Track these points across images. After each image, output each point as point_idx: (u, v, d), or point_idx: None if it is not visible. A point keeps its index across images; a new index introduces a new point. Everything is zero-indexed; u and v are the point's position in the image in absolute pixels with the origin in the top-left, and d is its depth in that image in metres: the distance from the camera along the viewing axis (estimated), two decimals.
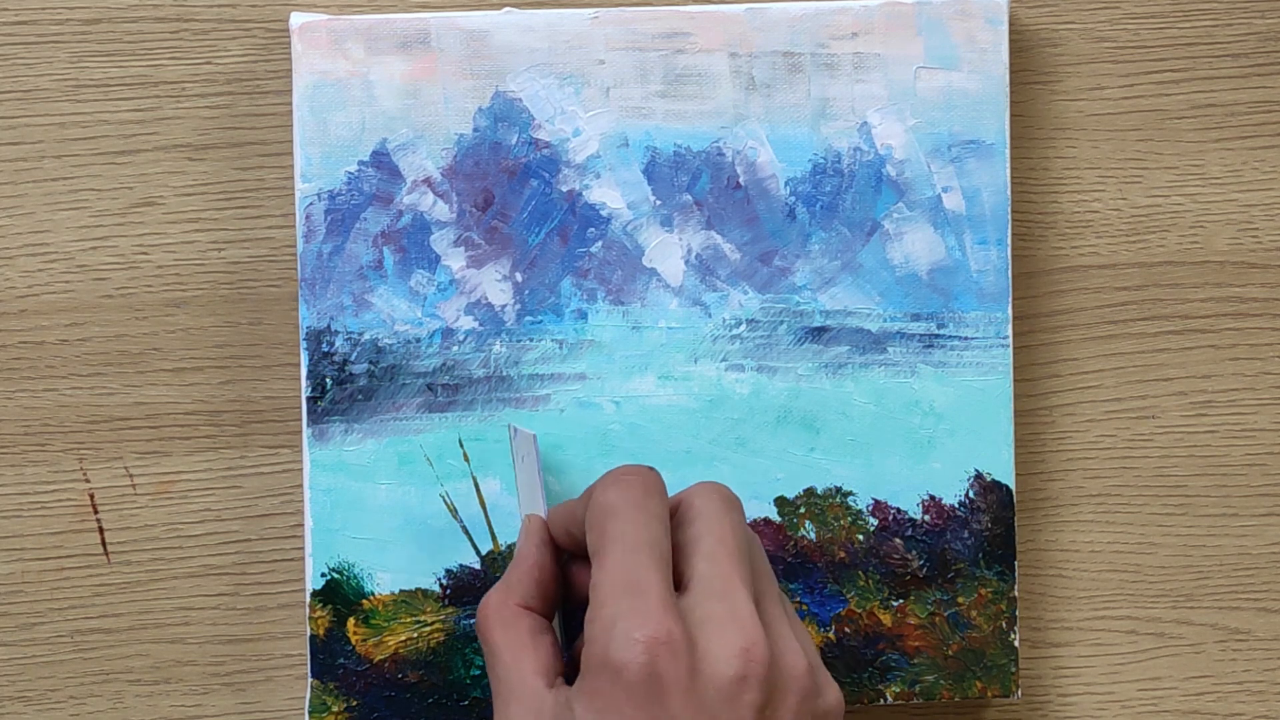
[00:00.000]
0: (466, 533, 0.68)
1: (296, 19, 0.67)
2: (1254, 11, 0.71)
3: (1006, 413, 0.68)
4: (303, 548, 0.68)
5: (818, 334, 0.68)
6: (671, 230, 0.68)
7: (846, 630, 0.68)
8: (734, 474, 0.68)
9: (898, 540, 0.68)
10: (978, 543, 0.68)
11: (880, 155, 0.68)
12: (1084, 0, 0.70)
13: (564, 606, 0.62)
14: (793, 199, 0.68)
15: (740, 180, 0.68)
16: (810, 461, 0.68)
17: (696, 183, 0.68)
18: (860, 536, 0.68)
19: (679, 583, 0.58)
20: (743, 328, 0.68)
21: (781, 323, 0.68)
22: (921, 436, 0.68)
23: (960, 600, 0.68)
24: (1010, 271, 0.68)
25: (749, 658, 0.56)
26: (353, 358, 0.67)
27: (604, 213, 0.68)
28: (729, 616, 0.56)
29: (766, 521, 0.68)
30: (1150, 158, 0.71)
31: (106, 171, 0.69)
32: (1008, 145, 0.68)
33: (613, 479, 0.59)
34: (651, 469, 0.59)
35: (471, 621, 0.68)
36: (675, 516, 0.59)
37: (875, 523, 0.68)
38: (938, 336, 0.68)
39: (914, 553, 0.68)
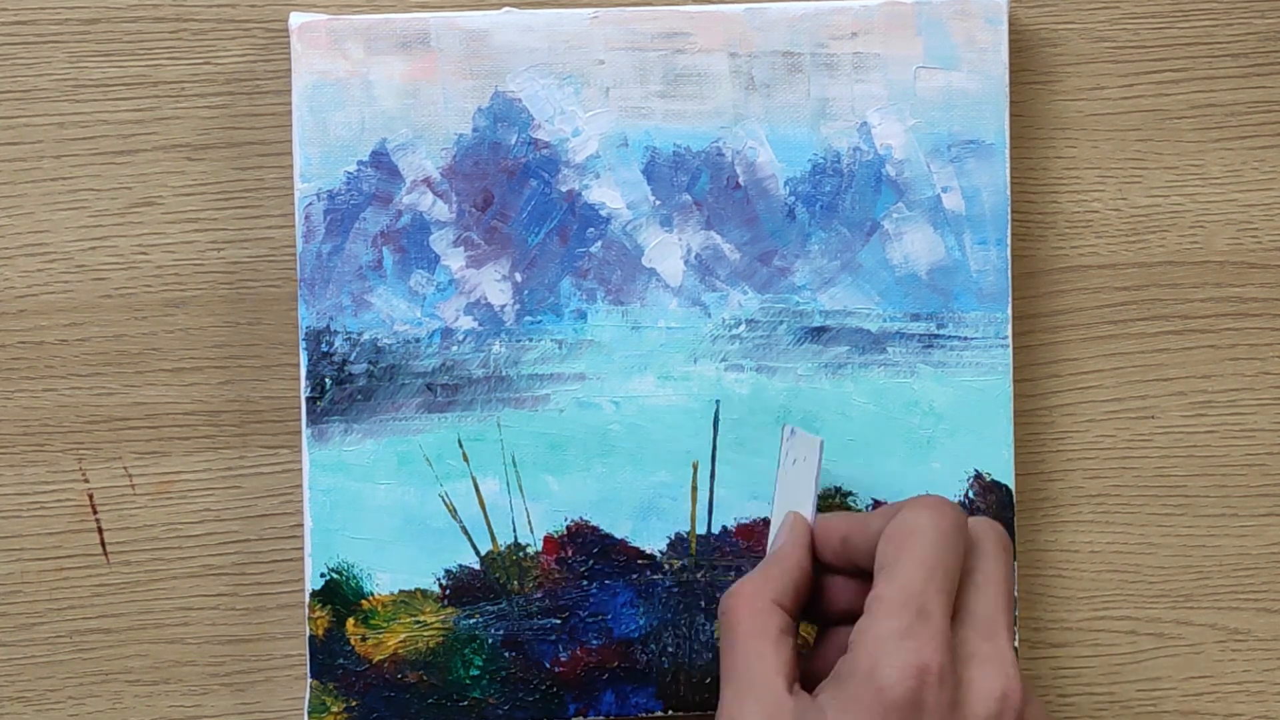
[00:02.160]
0: (466, 533, 0.68)
1: (296, 19, 0.67)
2: (1254, 11, 0.71)
3: (1006, 413, 0.68)
4: (302, 548, 0.68)
5: (817, 334, 0.68)
6: (671, 230, 0.68)
7: None
8: (734, 474, 0.68)
9: None
10: None
11: (880, 155, 0.68)
12: (1084, 0, 0.70)
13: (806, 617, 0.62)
14: (792, 199, 0.68)
15: (740, 180, 0.68)
16: None
17: (696, 183, 0.68)
18: None
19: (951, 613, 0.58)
20: (742, 328, 0.68)
21: (781, 323, 0.68)
22: (921, 436, 0.68)
23: None
24: (1010, 271, 0.68)
25: (1006, 704, 0.57)
26: (352, 358, 0.67)
27: (603, 213, 0.68)
28: (995, 658, 0.57)
29: (766, 522, 0.68)
30: (1150, 158, 0.71)
31: (106, 171, 0.69)
32: (1007, 145, 0.68)
33: (924, 503, 0.59)
34: (959, 505, 0.59)
35: (471, 622, 0.68)
36: None
37: None
38: (937, 336, 0.68)
39: None
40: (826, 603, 0.62)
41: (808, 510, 0.63)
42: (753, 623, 0.59)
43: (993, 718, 0.57)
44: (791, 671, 0.58)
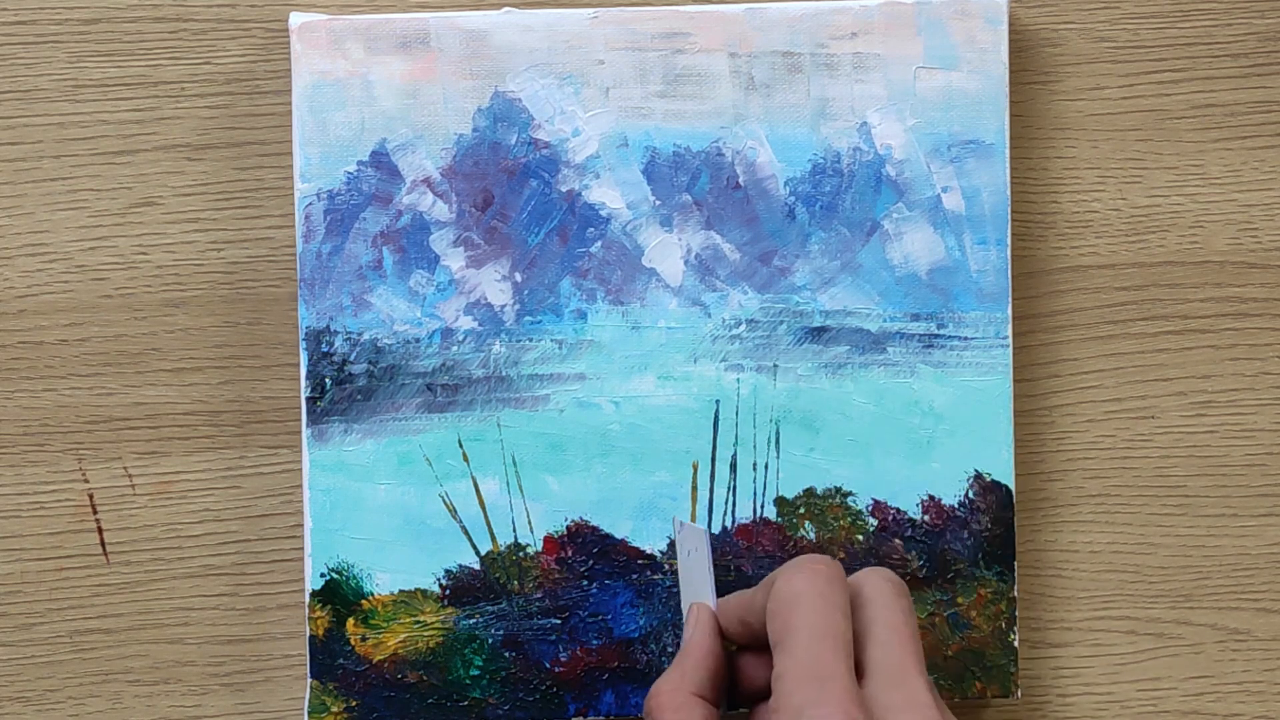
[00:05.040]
0: (466, 533, 0.68)
1: (296, 19, 0.67)
2: (1254, 11, 0.71)
3: (1006, 413, 0.68)
4: (302, 548, 0.68)
5: (817, 334, 0.68)
6: (671, 230, 0.68)
7: None
8: (734, 474, 0.68)
9: (897, 541, 0.68)
10: (977, 543, 0.68)
11: (880, 155, 0.68)
12: (1084, 0, 0.70)
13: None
14: (792, 199, 0.68)
15: (740, 180, 0.68)
16: (810, 461, 0.68)
17: (696, 183, 0.68)
18: (860, 537, 0.68)
19: (855, 669, 0.58)
20: (742, 328, 0.68)
21: (781, 323, 0.68)
22: (921, 436, 0.68)
23: (960, 600, 0.68)
24: (1010, 271, 0.68)
25: None
26: (352, 358, 0.67)
27: (603, 213, 0.68)
28: (910, 705, 0.57)
29: (766, 522, 0.68)
30: (1150, 158, 0.71)
31: (105, 171, 0.69)
32: (1007, 145, 0.68)
33: (797, 568, 0.59)
34: (833, 560, 0.60)
35: (471, 622, 0.68)
36: None
37: (875, 523, 0.68)
38: (937, 336, 0.68)
39: (913, 553, 0.68)
40: (747, 682, 0.62)
41: (709, 597, 0.63)
42: (676, 719, 0.60)
43: None
44: None
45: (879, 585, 0.60)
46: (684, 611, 0.63)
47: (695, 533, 0.64)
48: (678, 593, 0.68)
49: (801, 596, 0.58)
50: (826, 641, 0.57)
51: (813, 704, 0.56)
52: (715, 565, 0.64)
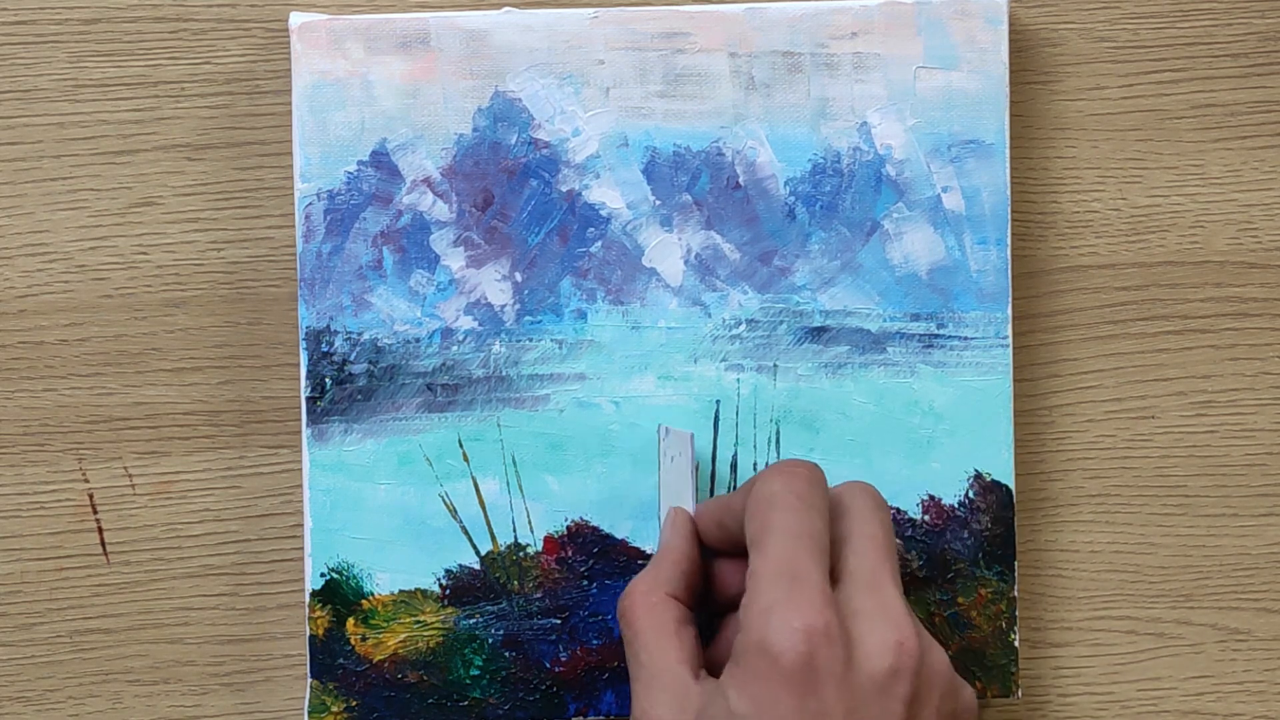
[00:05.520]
0: (466, 533, 0.68)
1: (296, 19, 0.67)
2: (1254, 11, 0.71)
3: (1006, 413, 0.68)
4: (302, 548, 0.68)
5: (817, 334, 0.68)
6: (671, 230, 0.68)
7: None
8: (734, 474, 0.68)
9: (897, 540, 0.68)
10: (977, 543, 0.68)
11: (880, 155, 0.68)
12: (1084, 0, 0.70)
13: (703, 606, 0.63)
14: (792, 199, 0.68)
15: (740, 180, 0.68)
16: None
17: (696, 183, 0.68)
18: None
19: (831, 575, 0.58)
20: (742, 328, 0.68)
21: (781, 323, 0.68)
22: (921, 436, 0.68)
23: (960, 600, 0.68)
24: (1010, 271, 0.68)
25: (902, 651, 0.57)
26: (352, 358, 0.67)
27: (603, 213, 0.68)
28: (882, 610, 0.57)
29: None
30: (1150, 158, 0.71)
31: (105, 171, 0.69)
32: (1007, 145, 0.68)
33: (776, 470, 0.60)
34: (814, 464, 0.60)
35: (471, 622, 0.68)
36: None
37: None
38: (937, 336, 0.68)
39: (913, 553, 0.68)
40: (722, 588, 0.63)
41: (688, 503, 0.64)
42: (650, 618, 0.60)
43: (890, 669, 0.57)
44: (695, 659, 0.60)
45: (859, 496, 0.60)
46: (661, 516, 0.64)
47: (680, 438, 0.64)
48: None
49: (778, 497, 0.59)
50: (802, 541, 0.58)
51: (783, 603, 0.56)
52: (697, 473, 0.64)
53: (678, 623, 0.60)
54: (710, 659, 0.61)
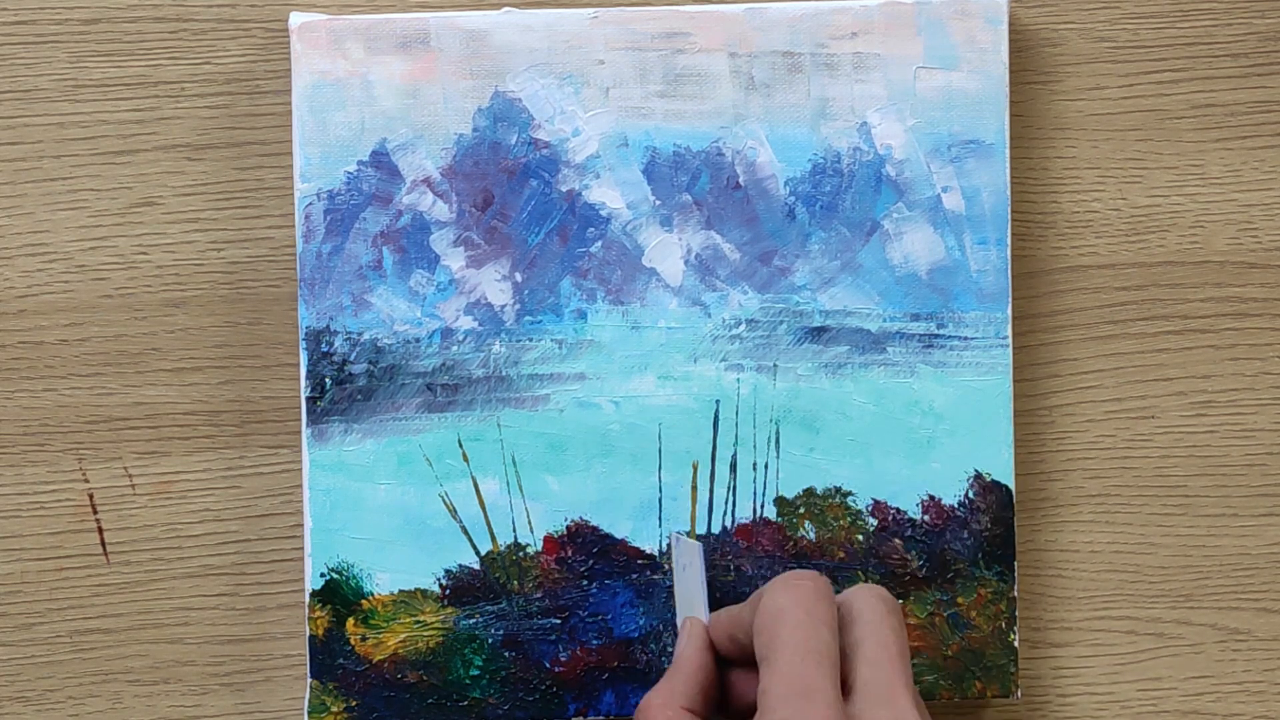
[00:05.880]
0: (466, 533, 0.68)
1: (296, 19, 0.67)
2: (1254, 11, 0.71)
3: (1006, 413, 0.68)
4: (302, 548, 0.68)
5: (817, 334, 0.68)
6: (671, 230, 0.68)
7: None
8: (734, 474, 0.68)
9: (897, 540, 0.68)
10: (977, 543, 0.68)
11: (880, 155, 0.68)
12: (1084, 0, 0.70)
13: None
14: (792, 199, 0.68)
15: (740, 180, 0.68)
16: (810, 461, 0.68)
17: (696, 183, 0.68)
18: (860, 537, 0.68)
19: (843, 687, 0.58)
20: (742, 328, 0.68)
21: (781, 323, 0.68)
22: (921, 436, 0.68)
23: (960, 600, 0.68)
24: (1010, 271, 0.68)
25: None
26: (352, 358, 0.67)
27: (603, 213, 0.68)
28: None
29: (766, 522, 0.68)
30: (1150, 158, 0.71)
31: (105, 171, 0.69)
32: (1007, 145, 0.68)
33: (783, 584, 0.59)
34: (820, 574, 0.60)
35: (471, 622, 0.68)
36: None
37: (875, 523, 0.68)
38: (937, 336, 0.68)
39: (913, 553, 0.68)
40: (736, 698, 0.63)
41: (702, 612, 0.63)
42: None
43: None
44: None
45: (869, 602, 0.60)
46: (678, 625, 0.63)
47: (690, 547, 0.64)
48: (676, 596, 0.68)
49: (786, 612, 0.58)
50: (811, 657, 0.57)
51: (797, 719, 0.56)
52: (710, 575, 0.64)
53: None
54: None
